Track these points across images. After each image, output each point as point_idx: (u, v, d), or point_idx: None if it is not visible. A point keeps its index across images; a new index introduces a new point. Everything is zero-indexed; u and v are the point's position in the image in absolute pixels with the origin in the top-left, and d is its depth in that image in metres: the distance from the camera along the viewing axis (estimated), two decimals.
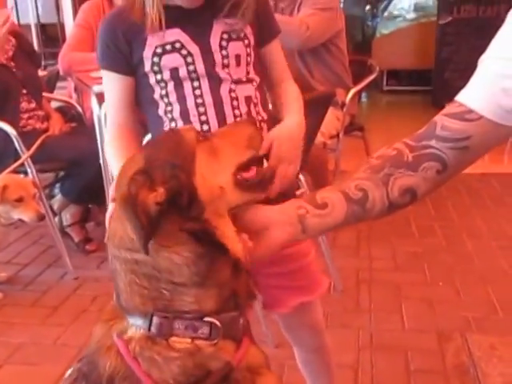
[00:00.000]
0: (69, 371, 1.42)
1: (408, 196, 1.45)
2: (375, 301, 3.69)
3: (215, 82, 1.83)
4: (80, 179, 4.24)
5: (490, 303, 3.59)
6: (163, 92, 1.87)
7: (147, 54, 1.82)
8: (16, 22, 4.94)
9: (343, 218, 1.44)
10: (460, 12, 9.01)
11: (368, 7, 12.00)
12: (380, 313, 3.55)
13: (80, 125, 4.79)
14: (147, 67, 1.84)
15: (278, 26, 2.05)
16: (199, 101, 1.83)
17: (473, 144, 1.41)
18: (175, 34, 1.81)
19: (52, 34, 7.95)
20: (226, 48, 1.84)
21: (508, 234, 4.63)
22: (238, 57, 1.86)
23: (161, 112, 1.91)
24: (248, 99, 1.88)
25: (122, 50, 1.85)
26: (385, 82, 10.95)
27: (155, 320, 1.29)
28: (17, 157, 3.96)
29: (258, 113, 1.90)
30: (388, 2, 11.44)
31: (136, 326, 1.32)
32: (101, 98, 3.74)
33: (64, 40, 7.30)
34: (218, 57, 1.83)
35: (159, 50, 1.82)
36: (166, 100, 1.88)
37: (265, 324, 3.10)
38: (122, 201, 1.26)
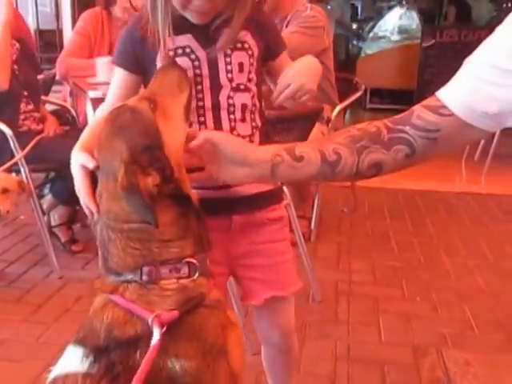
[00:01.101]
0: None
1: (374, 170, 1.55)
2: (353, 313, 3.64)
3: (216, 87, 1.89)
4: (70, 181, 4.11)
5: (466, 320, 3.56)
6: None
7: (160, 57, 1.89)
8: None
9: (313, 174, 1.55)
10: (442, 36, 9.10)
11: (354, 27, 12.06)
12: (358, 325, 3.51)
13: (73, 128, 4.76)
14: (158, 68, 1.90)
15: (284, 40, 2.15)
16: (200, 103, 1.88)
17: (441, 137, 1.48)
18: (186, 40, 1.87)
19: (49, 40, 7.97)
20: (230, 56, 1.89)
21: (484, 252, 4.61)
22: (240, 64, 1.91)
23: None
24: (244, 106, 1.92)
25: (136, 50, 1.92)
26: (368, 100, 10.97)
27: (145, 269, 1.44)
28: (13, 156, 3.94)
29: (252, 119, 1.95)
30: (373, 23, 11.50)
31: (126, 281, 1.45)
32: (95, 103, 3.71)
33: (61, 46, 7.30)
34: (221, 63, 1.88)
35: (171, 54, 1.88)
36: None
37: (244, 332, 3.05)
38: (126, 191, 1.38)
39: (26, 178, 3.95)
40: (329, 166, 1.52)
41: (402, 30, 11.07)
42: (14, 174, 3.90)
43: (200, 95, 1.89)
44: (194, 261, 1.49)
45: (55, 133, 4.46)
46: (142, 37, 1.88)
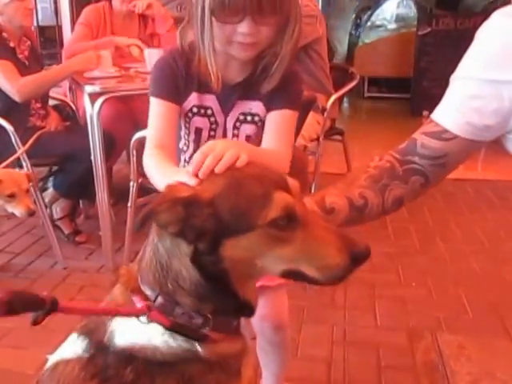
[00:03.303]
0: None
1: (397, 204, 1.57)
2: (350, 298, 3.67)
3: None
4: (71, 174, 4.23)
5: (460, 304, 3.59)
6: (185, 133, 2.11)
7: (186, 106, 1.99)
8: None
9: (343, 221, 1.51)
10: (439, 24, 9.04)
11: (353, 17, 12.00)
12: (354, 310, 3.54)
13: (74, 122, 4.80)
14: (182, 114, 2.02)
15: (291, 101, 2.04)
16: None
17: (448, 161, 1.53)
18: (211, 100, 1.97)
19: (50, 36, 8.00)
20: (238, 128, 2.00)
21: (480, 238, 4.63)
22: (247, 136, 2.05)
23: (180, 145, 2.16)
24: (247, 138, 2.05)
25: (178, 79, 1.97)
26: (366, 89, 10.95)
27: (159, 299, 1.30)
28: (15, 151, 3.98)
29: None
30: (371, 12, 11.45)
31: (146, 293, 1.33)
32: (93, 97, 3.73)
33: (61, 42, 7.33)
34: (230, 134, 2.04)
35: (195, 110, 2.01)
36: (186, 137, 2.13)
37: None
38: (162, 201, 1.21)
39: (28, 171, 3.95)
40: (357, 211, 1.53)
41: (398, 19, 11.01)
42: (17, 169, 3.92)
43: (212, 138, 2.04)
44: (210, 316, 1.30)
45: (57, 128, 4.52)
46: (184, 66, 1.96)
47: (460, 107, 1.46)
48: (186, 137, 2.12)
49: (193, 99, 2.01)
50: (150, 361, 1.29)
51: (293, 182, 1.28)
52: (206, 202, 1.20)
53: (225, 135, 2.05)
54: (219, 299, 1.31)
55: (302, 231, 1.22)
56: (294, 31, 1.87)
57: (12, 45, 4.22)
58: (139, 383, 1.28)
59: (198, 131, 2.08)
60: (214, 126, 2.04)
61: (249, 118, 1.99)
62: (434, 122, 1.53)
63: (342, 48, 11.44)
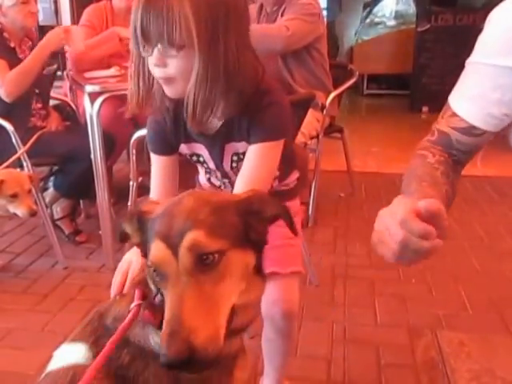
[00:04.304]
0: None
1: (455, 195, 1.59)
2: (350, 296, 3.66)
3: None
4: (72, 174, 4.23)
5: (460, 301, 3.57)
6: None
7: (181, 152, 2.05)
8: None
9: None
10: (438, 20, 9.04)
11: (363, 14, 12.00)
12: (354, 307, 3.53)
13: (74, 122, 4.80)
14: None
15: (267, 133, 1.87)
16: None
17: (479, 150, 1.62)
18: (200, 149, 1.99)
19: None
20: (236, 167, 1.98)
21: (479, 234, 4.62)
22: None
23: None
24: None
25: (167, 133, 1.97)
26: (365, 86, 10.96)
27: (159, 296, 1.31)
28: (16, 151, 3.98)
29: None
30: (370, 9, 11.45)
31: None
32: (93, 96, 3.72)
33: None
34: (231, 174, 2.04)
35: (189, 157, 2.06)
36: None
37: None
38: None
39: (29, 172, 3.97)
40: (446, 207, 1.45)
41: (397, 16, 11.04)
42: (18, 170, 3.92)
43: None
44: None
45: (57, 128, 4.52)
46: (174, 123, 1.94)
47: (480, 101, 1.49)
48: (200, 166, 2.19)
49: (183, 149, 2.03)
50: (143, 347, 1.32)
51: (192, 237, 1.18)
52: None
53: (225, 175, 2.07)
54: None
55: (169, 290, 1.20)
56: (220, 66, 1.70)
57: (12, 45, 4.21)
58: (134, 365, 1.31)
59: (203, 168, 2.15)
60: (208, 170, 2.10)
61: (242, 156, 1.94)
62: (458, 117, 1.55)
63: (348, 45, 11.45)
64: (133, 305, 1.34)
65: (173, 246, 1.17)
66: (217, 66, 1.68)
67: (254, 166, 1.86)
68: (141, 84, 1.80)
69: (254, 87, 1.81)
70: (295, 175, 2.30)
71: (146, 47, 1.69)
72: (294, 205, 2.21)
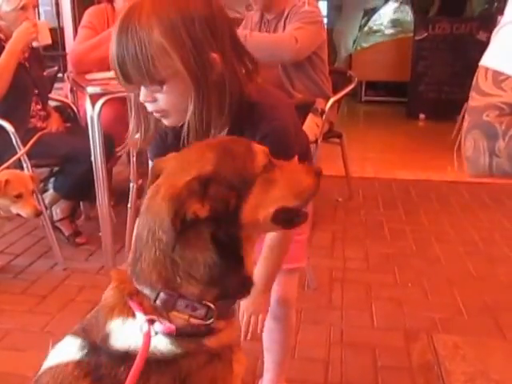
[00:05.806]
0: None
1: None
2: (347, 299, 3.66)
3: None
4: (72, 176, 4.22)
5: (455, 305, 3.58)
6: None
7: None
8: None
9: None
10: (435, 29, 9.07)
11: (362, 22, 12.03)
12: (351, 311, 3.53)
13: (75, 124, 4.81)
14: None
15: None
16: None
17: None
18: None
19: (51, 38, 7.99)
20: None
21: (474, 239, 4.63)
22: None
23: None
24: None
25: (167, 147, 1.81)
26: (363, 93, 10.98)
27: (162, 295, 1.34)
28: (16, 152, 3.96)
29: None
30: (368, 17, 11.48)
31: (142, 293, 1.37)
32: (94, 98, 3.72)
33: (63, 44, 7.31)
34: None
35: None
36: None
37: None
38: (170, 196, 1.26)
39: (30, 172, 3.94)
40: None
41: (395, 24, 11.07)
42: (18, 171, 3.92)
43: None
44: (213, 306, 1.36)
45: (58, 130, 4.51)
46: (175, 138, 1.79)
47: None
48: None
49: None
50: (146, 359, 1.30)
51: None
52: (211, 174, 1.31)
53: None
54: (227, 278, 1.38)
55: (278, 171, 1.43)
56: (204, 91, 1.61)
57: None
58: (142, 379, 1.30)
59: None
60: None
61: None
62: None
63: (346, 52, 11.47)
64: (138, 312, 1.35)
65: None
66: (208, 85, 1.61)
67: None
68: (141, 119, 1.78)
69: (240, 94, 1.69)
70: None
71: (131, 87, 1.66)
72: None
